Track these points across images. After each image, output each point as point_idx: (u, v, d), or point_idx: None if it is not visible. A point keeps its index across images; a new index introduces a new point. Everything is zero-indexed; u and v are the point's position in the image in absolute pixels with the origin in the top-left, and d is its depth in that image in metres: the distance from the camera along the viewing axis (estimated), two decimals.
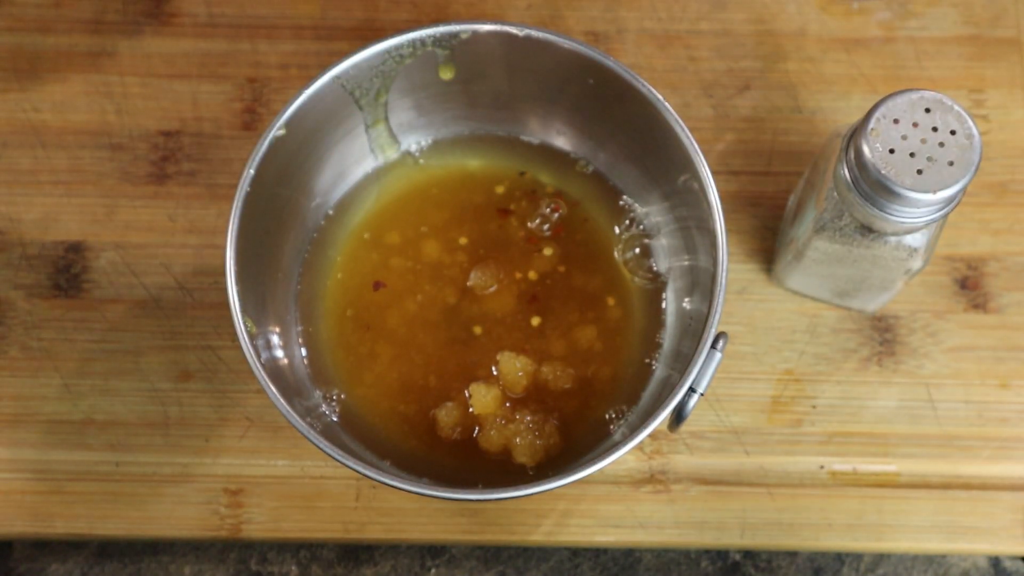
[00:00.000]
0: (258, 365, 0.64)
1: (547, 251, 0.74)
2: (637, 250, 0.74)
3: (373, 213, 0.76)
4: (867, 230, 0.67)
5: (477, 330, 0.73)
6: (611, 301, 0.74)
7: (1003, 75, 0.81)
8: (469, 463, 0.71)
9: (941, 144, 0.62)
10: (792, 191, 0.77)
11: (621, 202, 0.76)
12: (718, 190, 0.67)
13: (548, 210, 0.75)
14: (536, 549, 0.75)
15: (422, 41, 0.70)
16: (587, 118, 0.74)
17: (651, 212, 0.75)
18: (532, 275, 0.74)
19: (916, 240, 0.67)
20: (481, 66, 0.72)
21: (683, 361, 0.66)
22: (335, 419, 0.72)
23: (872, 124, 0.62)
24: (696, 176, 0.67)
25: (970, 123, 0.62)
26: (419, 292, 0.73)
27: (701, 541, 0.74)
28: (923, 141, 0.62)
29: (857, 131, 0.63)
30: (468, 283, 0.74)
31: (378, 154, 0.76)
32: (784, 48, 0.82)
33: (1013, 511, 0.74)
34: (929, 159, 0.62)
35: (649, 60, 0.81)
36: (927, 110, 0.63)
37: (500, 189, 0.76)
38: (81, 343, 0.76)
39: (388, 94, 0.73)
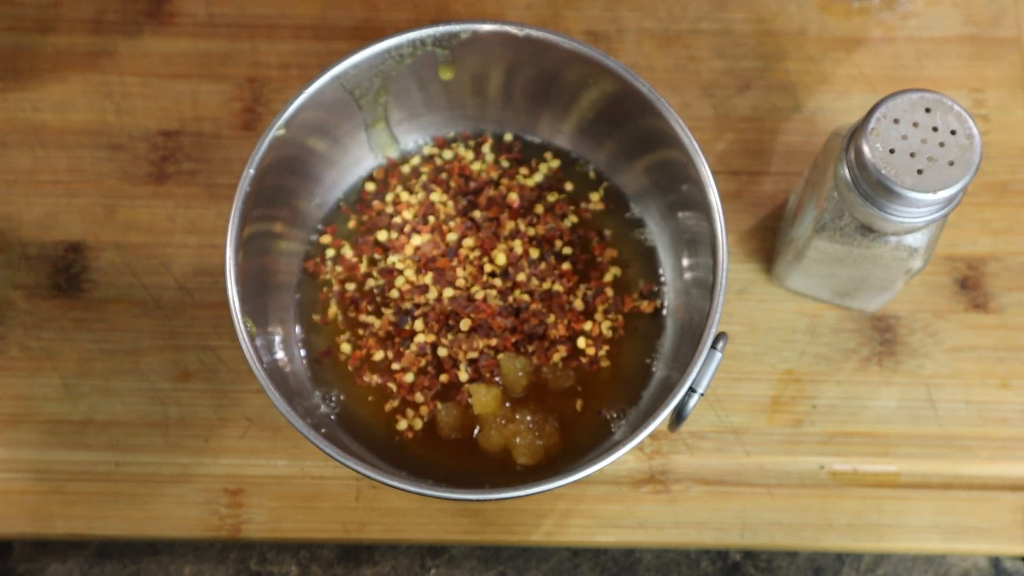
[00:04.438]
0: (258, 365, 0.64)
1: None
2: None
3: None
4: (867, 230, 0.67)
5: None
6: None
7: (1003, 75, 0.81)
8: (469, 463, 0.71)
9: (941, 144, 0.62)
10: (792, 191, 0.77)
11: (621, 202, 0.76)
12: (718, 190, 0.67)
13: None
14: (536, 549, 0.75)
15: (422, 41, 0.70)
16: (587, 118, 0.74)
17: (651, 211, 0.75)
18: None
19: (916, 240, 0.67)
20: (481, 66, 0.72)
21: (683, 361, 0.66)
22: (335, 419, 0.72)
23: (872, 124, 0.62)
24: (696, 176, 0.67)
25: (970, 123, 0.62)
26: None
27: (701, 541, 0.74)
28: (923, 141, 0.62)
29: (857, 131, 0.63)
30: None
31: (378, 154, 0.76)
32: (784, 48, 0.82)
33: (1013, 511, 0.74)
34: (929, 159, 0.62)
35: (649, 60, 0.81)
36: (927, 110, 0.63)
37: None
38: (81, 343, 0.76)
39: (388, 94, 0.73)
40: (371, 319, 0.73)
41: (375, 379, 0.72)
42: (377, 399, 0.72)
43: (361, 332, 0.73)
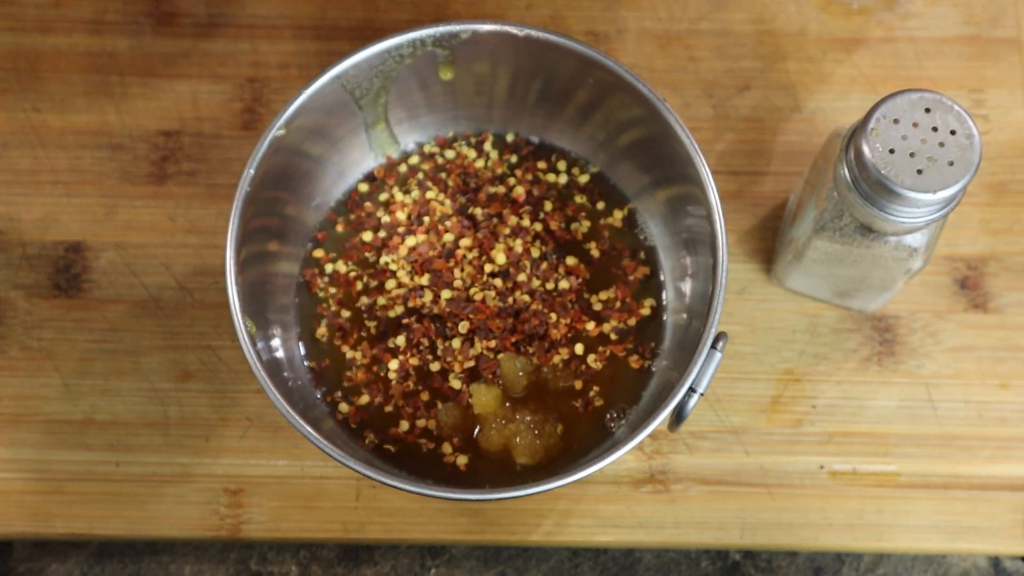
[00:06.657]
0: (258, 365, 0.64)
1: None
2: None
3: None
4: (867, 230, 0.67)
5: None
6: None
7: (1003, 75, 0.81)
8: (469, 463, 0.71)
9: (941, 144, 0.62)
10: (792, 191, 0.78)
11: (622, 201, 0.76)
12: (718, 190, 0.67)
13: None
14: (536, 549, 0.75)
15: (422, 41, 0.70)
16: (587, 118, 0.74)
17: (651, 211, 0.75)
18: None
19: (916, 240, 0.67)
20: (481, 66, 0.72)
21: (683, 361, 0.66)
22: (335, 419, 0.72)
23: (872, 124, 0.62)
24: (696, 176, 0.67)
25: (970, 123, 0.62)
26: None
27: (701, 541, 0.74)
28: (923, 141, 0.62)
29: (857, 131, 0.63)
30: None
31: (378, 154, 0.76)
32: (784, 48, 0.82)
33: (1013, 511, 0.74)
34: (929, 159, 0.62)
35: (649, 60, 0.81)
36: (927, 110, 0.63)
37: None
38: (81, 343, 0.76)
39: (388, 94, 0.73)
40: (355, 354, 0.72)
41: (376, 439, 0.72)
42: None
43: (349, 371, 0.72)
